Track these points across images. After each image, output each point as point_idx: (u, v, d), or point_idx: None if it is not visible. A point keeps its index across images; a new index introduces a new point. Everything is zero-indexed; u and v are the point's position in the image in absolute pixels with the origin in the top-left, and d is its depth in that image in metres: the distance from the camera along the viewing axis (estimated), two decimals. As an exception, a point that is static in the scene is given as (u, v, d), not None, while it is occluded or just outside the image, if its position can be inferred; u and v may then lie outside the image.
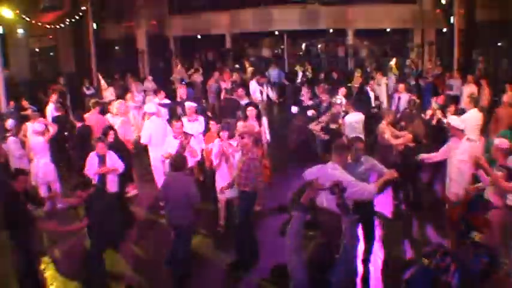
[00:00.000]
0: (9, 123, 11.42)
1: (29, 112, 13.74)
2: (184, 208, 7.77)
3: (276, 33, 29.64)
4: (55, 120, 13.03)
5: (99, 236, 7.69)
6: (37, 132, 11.02)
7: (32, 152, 11.02)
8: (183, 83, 19.60)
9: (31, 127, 11.48)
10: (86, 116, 12.41)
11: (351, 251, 4.66)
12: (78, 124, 11.87)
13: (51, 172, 11.00)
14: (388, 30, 27.95)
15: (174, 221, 7.96)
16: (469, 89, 15.54)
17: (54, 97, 15.24)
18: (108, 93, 17.12)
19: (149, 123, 11.44)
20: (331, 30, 28.91)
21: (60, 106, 14.23)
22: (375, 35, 28.66)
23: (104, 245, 7.95)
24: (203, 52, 32.04)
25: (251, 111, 10.91)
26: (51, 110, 14.50)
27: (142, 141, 11.32)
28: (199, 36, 30.56)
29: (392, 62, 22.21)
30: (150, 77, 21.43)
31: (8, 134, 11.21)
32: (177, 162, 8.05)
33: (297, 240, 4.55)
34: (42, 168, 10.85)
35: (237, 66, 24.02)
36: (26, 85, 20.56)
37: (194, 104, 11.47)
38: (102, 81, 17.12)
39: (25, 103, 15.17)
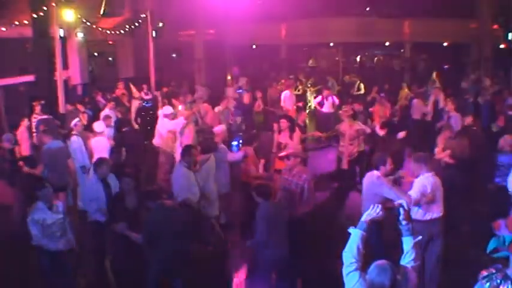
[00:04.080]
0: (74, 122, 11.02)
1: (84, 116, 13.35)
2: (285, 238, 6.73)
3: (331, 44, 28.95)
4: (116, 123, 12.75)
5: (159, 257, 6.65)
6: (98, 133, 10.78)
7: (94, 152, 10.64)
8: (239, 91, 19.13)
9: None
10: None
11: (411, 273, 4.38)
12: (125, 129, 11.61)
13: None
14: (445, 44, 26.79)
15: (276, 255, 6.72)
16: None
17: (111, 104, 14.86)
18: (138, 102, 16.53)
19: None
20: (387, 43, 28.01)
21: (120, 110, 13.96)
22: (431, 49, 27.54)
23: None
24: (258, 62, 31.54)
25: (283, 123, 10.63)
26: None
27: None
28: (254, 46, 30.12)
29: (434, 76, 20.99)
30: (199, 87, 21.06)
31: (73, 132, 10.77)
32: (264, 190, 6.94)
33: (356, 259, 4.38)
34: None
35: (291, 76, 23.21)
36: (84, 89, 20.42)
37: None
38: (134, 90, 16.71)
39: (80, 107, 14.80)
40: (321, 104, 16.96)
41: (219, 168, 9.25)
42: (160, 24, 23.13)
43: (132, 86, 16.90)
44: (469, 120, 11.49)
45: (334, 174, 12.30)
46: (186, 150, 8.57)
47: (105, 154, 10.52)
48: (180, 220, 6.81)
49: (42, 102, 13.75)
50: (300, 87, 21.29)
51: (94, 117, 14.20)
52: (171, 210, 6.86)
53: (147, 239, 6.59)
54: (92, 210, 7.81)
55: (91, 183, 8.00)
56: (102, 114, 13.56)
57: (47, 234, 6.72)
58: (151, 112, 16.68)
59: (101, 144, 10.66)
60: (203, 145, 9.47)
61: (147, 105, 17.24)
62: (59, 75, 15.48)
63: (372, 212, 4.60)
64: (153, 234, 6.53)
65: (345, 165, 11.35)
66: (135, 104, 15.87)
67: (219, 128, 10.23)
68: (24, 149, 12.05)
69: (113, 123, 12.67)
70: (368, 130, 11.62)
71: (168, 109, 12.34)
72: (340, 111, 12.21)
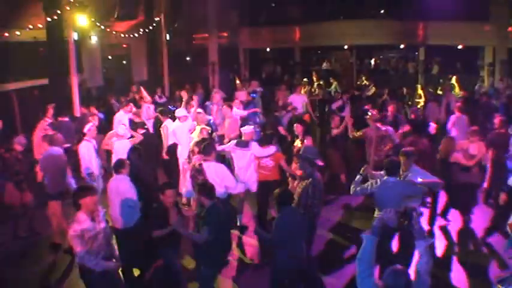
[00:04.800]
0: (88, 127, 10.84)
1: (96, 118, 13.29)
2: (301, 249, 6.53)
3: (346, 47, 28.74)
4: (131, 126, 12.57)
5: (210, 257, 6.56)
6: (120, 136, 10.70)
7: (115, 154, 10.55)
8: (253, 96, 18.98)
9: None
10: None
11: (425, 277, 4.31)
12: (142, 131, 11.37)
13: None
14: (459, 47, 26.47)
15: (289, 265, 6.48)
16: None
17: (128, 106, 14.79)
18: (147, 105, 16.41)
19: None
20: (402, 46, 27.76)
21: (135, 113, 13.84)
22: (446, 52, 27.23)
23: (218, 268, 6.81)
24: (271, 65, 31.46)
25: (298, 127, 10.80)
26: (120, 116, 13.94)
27: None
28: (268, 49, 30.03)
29: (453, 80, 20.67)
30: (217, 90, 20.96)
31: (85, 138, 10.61)
32: (287, 195, 6.75)
33: (370, 265, 4.37)
34: None
35: (305, 79, 23.01)
36: (98, 91, 20.42)
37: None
38: (144, 93, 16.62)
39: (93, 109, 14.75)
40: (340, 108, 16.46)
41: (249, 166, 9.67)
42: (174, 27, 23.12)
43: (142, 90, 16.81)
44: (497, 121, 11.24)
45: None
46: (210, 146, 8.67)
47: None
48: (304, 223, 6.71)
49: (53, 105, 13.67)
50: (317, 90, 20.91)
51: (107, 120, 14.16)
52: (298, 213, 6.76)
53: (277, 239, 6.41)
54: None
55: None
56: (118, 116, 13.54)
57: (92, 250, 5.85)
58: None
59: (124, 147, 10.41)
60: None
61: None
62: (73, 79, 15.44)
63: (383, 217, 4.60)
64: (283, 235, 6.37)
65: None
66: (144, 108, 15.76)
67: (248, 128, 10.11)
68: (39, 152, 11.99)
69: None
70: (395, 136, 11.27)
71: (181, 111, 12.20)
72: (367, 116, 11.95)
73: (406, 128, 11.58)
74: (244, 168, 9.70)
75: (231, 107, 13.32)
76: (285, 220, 6.41)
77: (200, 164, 8.24)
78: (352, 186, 7.25)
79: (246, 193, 10.00)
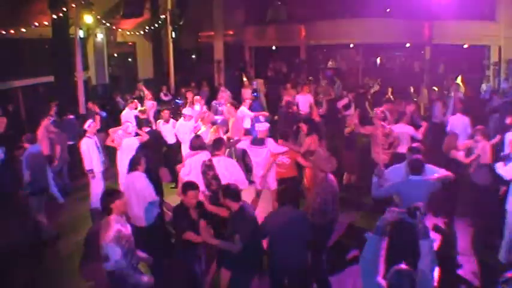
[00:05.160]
0: (88, 123, 10.75)
1: (97, 117, 13.22)
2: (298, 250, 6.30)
3: (351, 45, 28.63)
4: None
5: (243, 263, 6.23)
6: (127, 133, 10.55)
7: (122, 152, 10.43)
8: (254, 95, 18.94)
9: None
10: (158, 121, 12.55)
11: (429, 277, 4.31)
12: (146, 129, 11.30)
13: None
14: (465, 46, 26.31)
15: (285, 266, 6.31)
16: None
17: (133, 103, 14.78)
18: (150, 103, 16.34)
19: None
20: (407, 45, 27.60)
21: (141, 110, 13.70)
22: (451, 51, 27.08)
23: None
24: (277, 63, 31.35)
25: (303, 127, 10.87)
26: (127, 114, 13.91)
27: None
28: (274, 47, 29.94)
29: (458, 80, 20.50)
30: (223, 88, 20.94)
31: (86, 134, 10.54)
32: (288, 194, 6.62)
33: (374, 266, 4.32)
34: None
35: (310, 78, 22.93)
36: (104, 89, 20.41)
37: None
38: (146, 92, 16.60)
39: (95, 107, 14.71)
40: (346, 106, 16.27)
41: (266, 163, 9.60)
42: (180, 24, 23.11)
43: (143, 88, 16.76)
44: (509, 120, 11.15)
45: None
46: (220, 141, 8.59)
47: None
48: (303, 224, 6.44)
49: (56, 103, 13.67)
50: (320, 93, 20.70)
51: (109, 118, 14.13)
52: (295, 213, 6.47)
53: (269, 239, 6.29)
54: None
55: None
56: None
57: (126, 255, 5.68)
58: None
59: (132, 145, 10.39)
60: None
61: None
62: (79, 76, 15.42)
63: (387, 216, 4.55)
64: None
65: None
66: (148, 105, 15.72)
67: (263, 126, 9.97)
68: (44, 149, 11.98)
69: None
70: (417, 133, 11.17)
71: (187, 110, 12.17)
72: (372, 115, 11.84)
73: (424, 125, 11.55)
74: (262, 166, 9.61)
75: (235, 107, 13.28)
76: (274, 219, 6.30)
77: (210, 160, 8.14)
78: (372, 188, 7.11)
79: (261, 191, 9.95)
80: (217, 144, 8.41)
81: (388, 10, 27.50)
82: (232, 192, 6.29)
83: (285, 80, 22.74)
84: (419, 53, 27.77)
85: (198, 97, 14.93)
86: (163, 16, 22.06)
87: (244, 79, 21.73)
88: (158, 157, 11.94)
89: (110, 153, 11.32)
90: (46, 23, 15.41)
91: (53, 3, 14.85)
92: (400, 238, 6.08)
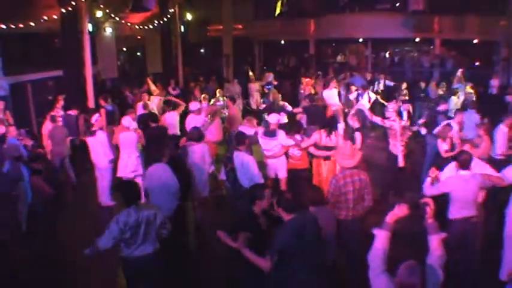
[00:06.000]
0: (95, 118, 10.85)
1: (103, 111, 13.27)
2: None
3: (360, 40, 28.44)
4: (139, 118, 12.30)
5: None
6: (126, 128, 10.46)
7: (121, 146, 10.47)
8: (268, 87, 18.86)
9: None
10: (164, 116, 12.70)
11: (438, 274, 4.23)
12: (153, 124, 11.17)
13: (140, 167, 10.43)
14: (475, 41, 26.09)
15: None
16: None
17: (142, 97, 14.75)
18: (157, 98, 16.21)
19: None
20: (417, 39, 27.41)
21: (145, 105, 13.88)
22: (461, 45, 26.87)
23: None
24: (286, 57, 31.23)
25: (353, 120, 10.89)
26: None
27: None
28: (282, 42, 29.81)
29: (459, 73, 20.15)
30: (235, 81, 20.90)
31: (94, 128, 10.57)
32: (315, 195, 6.35)
33: (382, 262, 4.28)
34: (131, 163, 10.36)
35: (319, 72, 22.78)
36: (113, 83, 20.36)
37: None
38: (153, 87, 16.52)
39: (101, 101, 14.68)
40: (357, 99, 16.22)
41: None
42: (189, 19, 23.04)
43: (150, 82, 16.65)
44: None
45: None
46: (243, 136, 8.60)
47: (133, 149, 10.40)
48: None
49: (63, 96, 13.64)
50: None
51: (117, 112, 14.07)
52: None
53: None
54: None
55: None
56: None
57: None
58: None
59: (129, 139, 10.40)
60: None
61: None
62: (88, 70, 15.36)
63: (396, 212, 4.52)
64: None
65: (401, 163, 10.89)
66: (154, 101, 15.64)
67: (274, 117, 10.03)
68: (48, 144, 11.96)
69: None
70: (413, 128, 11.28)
71: (194, 105, 12.09)
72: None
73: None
74: (273, 156, 9.84)
75: (233, 100, 13.38)
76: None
77: (231, 152, 8.32)
78: (424, 187, 7.16)
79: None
80: (240, 139, 8.46)
81: (397, 4, 27.37)
82: (287, 203, 5.48)
83: (294, 75, 22.62)
84: (428, 48, 27.60)
85: (205, 95, 14.98)
86: (172, 10, 21.94)
87: (251, 73, 21.59)
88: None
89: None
90: (55, 16, 15.31)
91: (61, -3, 14.78)
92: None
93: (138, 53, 25.58)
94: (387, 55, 30.57)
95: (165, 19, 21.52)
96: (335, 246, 6.46)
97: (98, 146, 10.42)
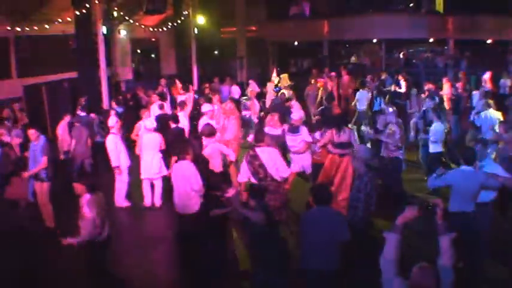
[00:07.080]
0: (112, 120, 10.85)
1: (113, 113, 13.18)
2: (329, 250, 5.94)
3: (374, 41, 28.23)
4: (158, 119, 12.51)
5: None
6: (148, 129, 10.60)
7: (144, 148, 10.55)
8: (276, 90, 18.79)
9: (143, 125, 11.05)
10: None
11: (449, 274, 4.20)
12: (173, 125, 11.27)
13: (164, 168, 10.57)
14: (488, 41, 25.81)
15: (315, 265, 5.96)
16: None
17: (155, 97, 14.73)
18: (183, 98, 16.17)
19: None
20: (431, 40, 27.18)
21: (161, 106, 13.83)
22: (475, 46, 26.59)
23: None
24: (299, 58, 31.09)
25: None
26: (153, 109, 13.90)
27: None
28: (296, 43, 29.68)
29: (460, 74, 19.81)
30: (251, 81, 20.82)
31: (111, 131, 10.59)
32: (322, 194, 6.28)
33: (394, 266, 4.26)
34: (156, 164, 10.49)
35: (333, 73, 22.62)
36: (127, 85, 20.41)
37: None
38: (179, 86, 16.52)
39: (112, 104, 14.70)
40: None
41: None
42: (203, 21, 23.04)
43: (177, 82, 16.80)
44: None
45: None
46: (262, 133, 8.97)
47: (157, 150, 10.50)
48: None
49: (85, 98, 13.70)
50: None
51: (129, 114, 14.07)
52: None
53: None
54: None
55: None
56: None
57: None
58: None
59: (154, 140, 10.52)
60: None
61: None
62: (102, 72, 15.40)
63: (407, 214, 4.49)
64: None
65: None
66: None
67: (296, 115, 10.70)
68: (64, 145, 11.96)
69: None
70: None
71: (207, 107, 12.07)
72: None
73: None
74: (297, 151, 10.38)
75: (236, 104, 13.56)
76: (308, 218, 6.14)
77: (254, 150, 8.35)
78: (429, 179, 7.20)
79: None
80: (259, 136, 8.69)
81: (411, 5, 27.18)
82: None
83: (308, 75, 22.50)
84: (442, 48, 27.35)
85: (217, 96, 15.00)
86: (186, 12, 21.95)
87: (274, 75, 21.46)
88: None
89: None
90: (69, 19, 15.37)
91: (76, -1, 14.83)
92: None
93: (153, 55, 25.62)
94: (401, 56, 30.30)
95: (179, 21, 21.54)
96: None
97: (114, 147, 10.39)
